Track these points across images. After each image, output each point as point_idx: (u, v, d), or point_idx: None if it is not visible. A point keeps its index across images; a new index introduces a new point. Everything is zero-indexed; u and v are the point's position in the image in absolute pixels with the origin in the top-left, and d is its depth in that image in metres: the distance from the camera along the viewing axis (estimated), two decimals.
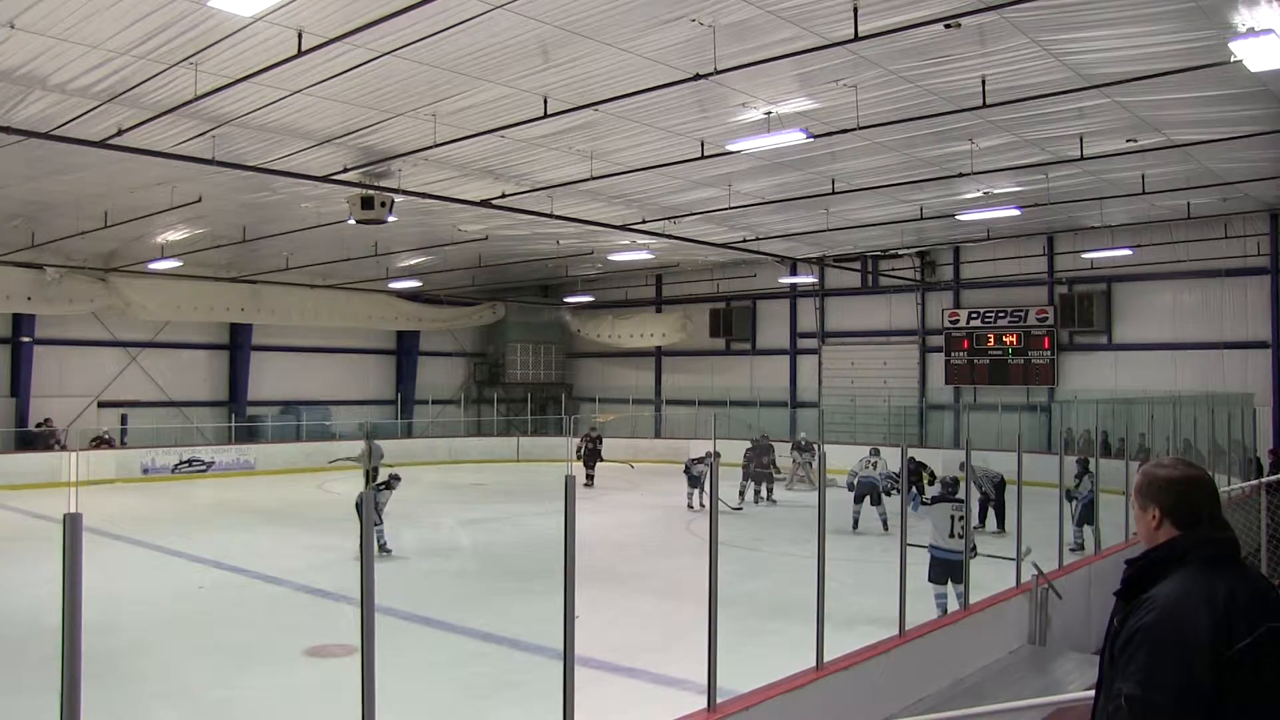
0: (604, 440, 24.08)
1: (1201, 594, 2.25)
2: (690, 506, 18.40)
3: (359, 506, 13.39)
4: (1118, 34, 10.10)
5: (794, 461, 22.00)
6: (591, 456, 22.79)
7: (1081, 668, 7.86)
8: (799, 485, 21.38)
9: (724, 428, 27.52)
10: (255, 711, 7.66)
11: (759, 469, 19.80)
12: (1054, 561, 9.48)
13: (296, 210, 18.74)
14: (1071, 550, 11.47)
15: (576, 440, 23.75)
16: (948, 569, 9.34)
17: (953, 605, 8.97)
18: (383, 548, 14.03)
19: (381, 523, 13.90)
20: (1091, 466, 13.37)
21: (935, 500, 9.85)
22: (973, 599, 8.44)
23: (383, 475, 15.76)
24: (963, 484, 9.77)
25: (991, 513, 15.09)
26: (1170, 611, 2.24)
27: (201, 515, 18.50)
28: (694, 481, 18.33)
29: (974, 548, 9.51)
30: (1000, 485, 14.96)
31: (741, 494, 19.36)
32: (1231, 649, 2.19)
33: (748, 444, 20.60)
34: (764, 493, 19.80)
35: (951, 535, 9.38)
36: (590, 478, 22.37)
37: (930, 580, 9.47)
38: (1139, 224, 21.88)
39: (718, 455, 19.00)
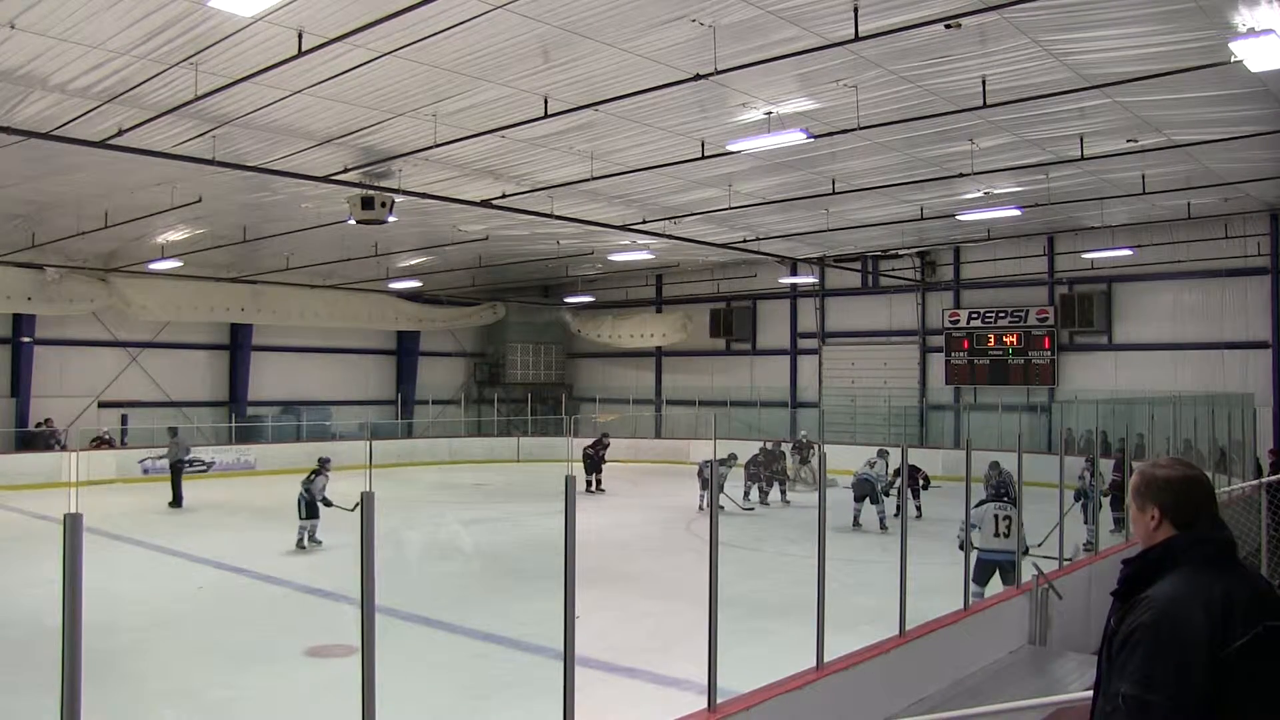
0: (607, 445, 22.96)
1: (1199, 594, 2.25)
2: (701, 509, 18.37)
3: (300, 503, 14.29)
4: (1118, 34, 10.10)
5: (794, 461, 22.00)
6: (597, 462, 21.94)
7: (1081, 668, 7.85)
8: (799, 485, 21.38)
9: (724, 428, 27.54)
10: (255, 711, 7.66)
11: (771, 474, 19.91)
12: (1054, 561, 9.47)
13: (297, 210, 18.74)
14: (1086, 549, 11.49)
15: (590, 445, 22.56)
16: (991, 570, 9.49)
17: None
18: (313, 538, 14.33)
19: (318, 517, 14.29)
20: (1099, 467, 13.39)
21: (981, 502, 9.91)
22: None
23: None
24: (985, 483, 9.89)
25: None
26: (1167, 611, 2.24)
27: (201, 515, 18.50)
28: (708, 484, 18.27)
29: (1026, 548, 9.59)
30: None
31: (746, 494, 19.38)
32: (1229, 649, 2.19)
33: (756, 449, 20.67)
34: (777, 494, 19.96)
35: (996, 535, 9.52)
36: (589, 482, 21.53)
37: (973, 580, 9.30)
38: (1139, 224, 21.88)
39: (733, 458, 19.13)
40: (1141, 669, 2.21)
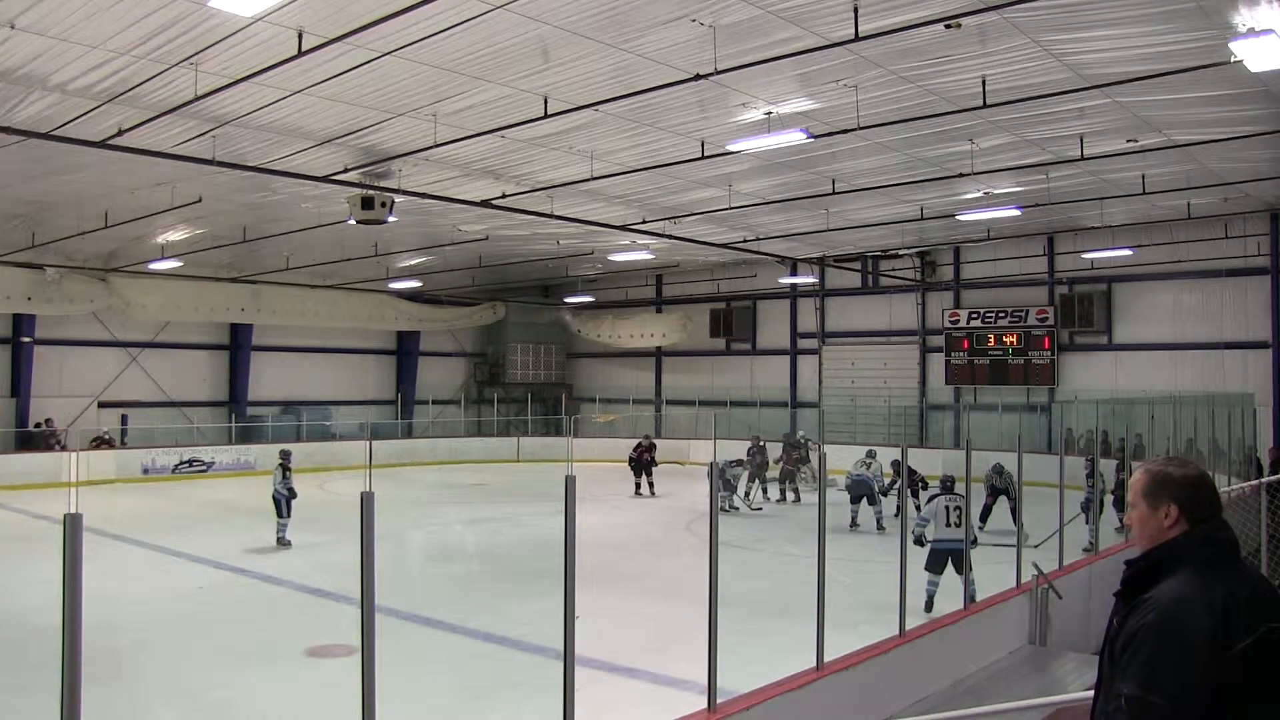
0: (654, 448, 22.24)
1: (1201, 595, 2.26)
2: (722, 509, 18.29)
3: (275, 500, 14.50)
4: (1118, 34, 10.10)
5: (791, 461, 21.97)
6: (641, 465, 21.70)
7: (1081, 668, 7.86)
8: (799, 485, 21.37)
9: (724, 428, 27.52)
10: (255, 711, 7.66)
11: (786, 465, 19.96)
12: (1054, 561, 9.48)
13: (296, 210, 18.74)
14: (1085, 550, 11.53)
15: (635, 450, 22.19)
16: (944, 559, 10.02)
17: (952, 600, 9.07)
18: (281, 540, 14.46)
19: (289, 517, 14.49)
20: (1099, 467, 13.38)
21: (933, 496, 10.48)
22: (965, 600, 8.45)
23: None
24: (960, 481, 10.32)
25: (1004, 511, 15.05)
26: (1171, 612, 2.24)
27: (201, 515, 18.50)
28: (726, 485, 18.26)
29: (974, 539, 10.14)
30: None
31: (748, 494, 19.34)
32: (1231, 650, 2.19)
33: (749, 444, 20.68)
34: (789, 492, 20.10)
35: (948, 525, 10.05)
36: (637, 485, 21.48)
37: (926, 568, 10.09)
38: (1139, 224, 21.87)
39: (743, 461, 19.15)
40: (1144, 669, 2.21)
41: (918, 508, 16.38)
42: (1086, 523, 12.83)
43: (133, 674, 8.39)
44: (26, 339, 24.83)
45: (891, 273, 27.34)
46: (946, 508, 10.12)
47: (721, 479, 18.47)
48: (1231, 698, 2.18)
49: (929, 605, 9.83)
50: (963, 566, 9.55)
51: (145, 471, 23.67)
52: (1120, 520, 13.57)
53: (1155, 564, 2.40)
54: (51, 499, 19.12)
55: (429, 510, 19.47)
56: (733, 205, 18.60)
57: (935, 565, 10.07)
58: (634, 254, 24.84)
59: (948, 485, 10.48)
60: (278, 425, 28.30)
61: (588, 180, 15.82)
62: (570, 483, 4.50)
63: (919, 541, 10.26)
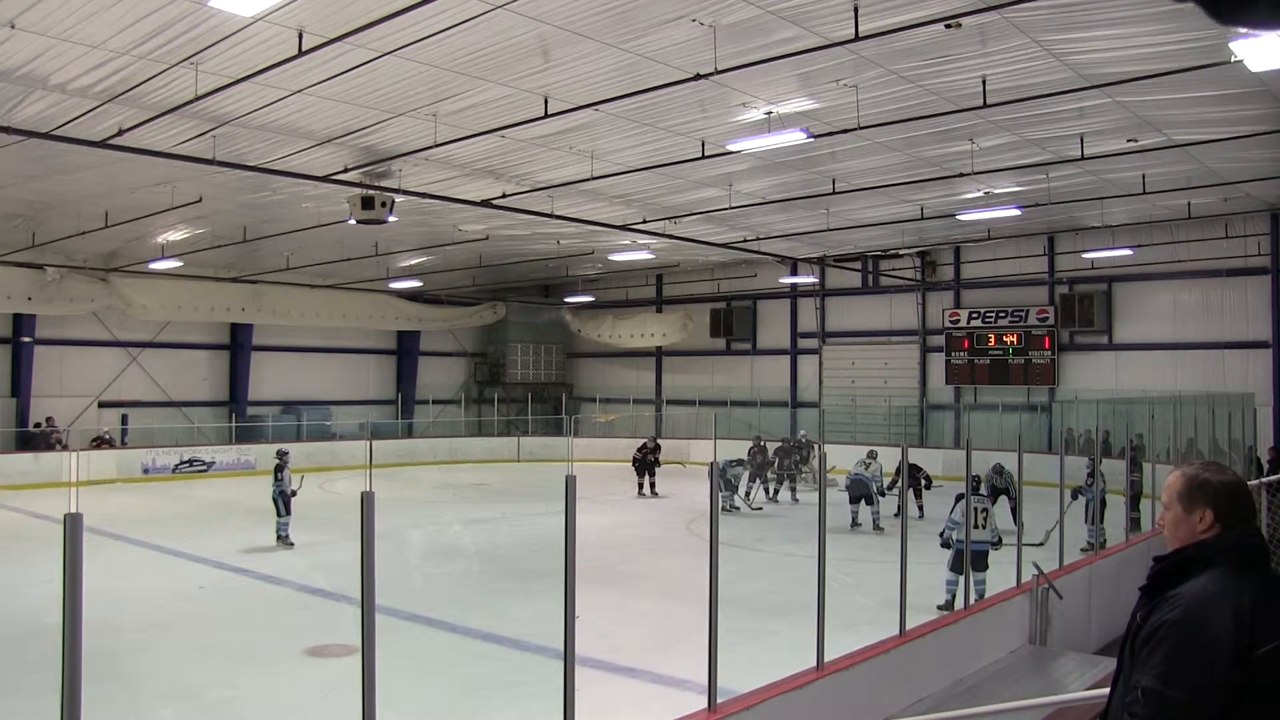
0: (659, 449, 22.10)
1: (1228, 596, 2.27)
2: (725, 509, 18.33)
3: (275, 499, 14.58)
4: (1118, 34, 10.09)
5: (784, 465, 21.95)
6: (645, 466, 21.63)
7: (1082, 668, 7.86)
8: (800, 485, 21.37)
9: (724, 428, 27.53)
10: (255, 711, 7.66)
11: (781, 470, 20.01)
12: (1054, 561, 9.49)
13: (297, 210, 18.74)
14: (1083, 550, 11.52)
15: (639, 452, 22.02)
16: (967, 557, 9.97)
17: (972, 596, 9.14)
18: (282, 539, 14.52)
19: (289, 515, 14.55)
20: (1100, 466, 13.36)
21: (960, 496, 10.45)
22: (974, 599, 8.46)
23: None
24: (985, 482, 10.43)
25: (1004, 511, 15.07)
26: (1196, 610, 2.26)
27: (201, 515, 18.50)
28: (728, 484, 18.26)
29: (1000, 539, 10.33)
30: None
31: (748, 495, 19.35)
32: (1254, 653, 2.20)
33: (749, 445, 20.68)
34: (787, 494, 20.09)
35: (974, 526, 10.04)
36: (640, 485, 21.41)
37: (950, 568, 10.21)
38: (1139, 224, 21.87)
39: (744, 461, 19.17)
40: (1164, 664, 2.23)
41: (920, 507, 16.52)
42: (1086, 522, 12.82)
43: (133, 674, 8.39)
44: (27, 339, 24.83)
45: (891, 273, 27.34)
46: (975, 509, 10.16)
47: (722, 479, 18.46)
48: (1251, 700, 2.19)
49: (950, 605, 9.83)
50: (980, 566, 9.82)
51: (145, 471, 23.67)
52: (1130, 520, 13.53)
53: (1184, 562, 2.40)
54: (51, 499, 19.12)
55: (429, 510, 19.47)
56: (733, 205, 18.59)
57: (959, 565, 10.03)
58: (634, 254, 24.85)
59: (975, 486, 10.50)
60: (278, 425, 28.30)
61: (588, 180, 15.82)
62: (570, 483, 4.50)
63: (947, 544, 10.38)
